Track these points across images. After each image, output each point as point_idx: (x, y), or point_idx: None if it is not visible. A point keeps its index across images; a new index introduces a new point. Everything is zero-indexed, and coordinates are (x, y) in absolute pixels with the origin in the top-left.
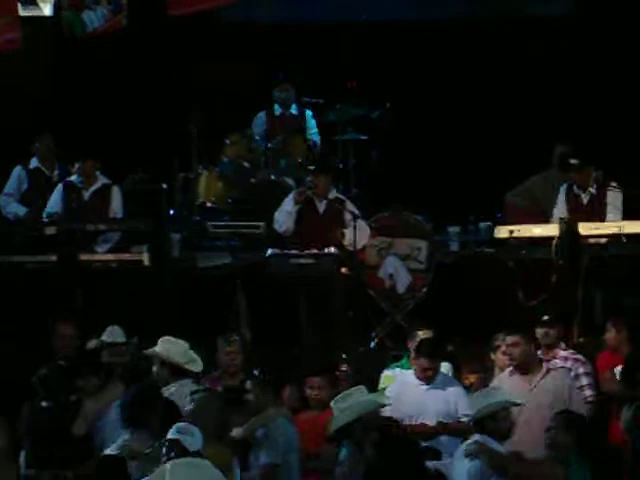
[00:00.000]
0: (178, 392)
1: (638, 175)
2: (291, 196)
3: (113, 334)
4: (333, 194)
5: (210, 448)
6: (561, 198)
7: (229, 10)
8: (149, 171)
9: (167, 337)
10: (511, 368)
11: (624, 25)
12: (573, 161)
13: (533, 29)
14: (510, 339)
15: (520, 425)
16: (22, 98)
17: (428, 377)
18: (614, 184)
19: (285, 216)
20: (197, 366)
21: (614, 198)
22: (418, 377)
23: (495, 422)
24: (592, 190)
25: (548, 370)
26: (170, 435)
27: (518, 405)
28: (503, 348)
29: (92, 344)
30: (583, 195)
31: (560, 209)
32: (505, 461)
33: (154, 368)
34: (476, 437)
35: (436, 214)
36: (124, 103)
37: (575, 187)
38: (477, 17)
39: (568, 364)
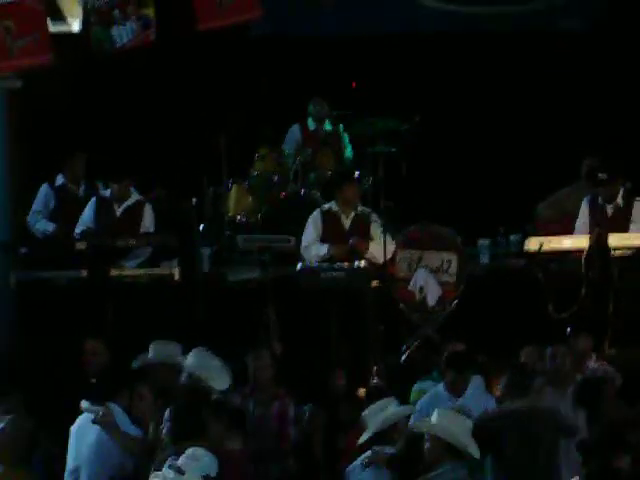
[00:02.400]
0: None
1: None
2: (311, 228)
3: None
4: (359, 207)
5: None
6: (584, 210)
7: (258, 24)
8: (172, 188)
9: (200, 349)
10: (543, 382)
11: None
12: (601, 175)
13: (561, 43)
14: (551, 350)
15: None
16: (50, 115)
17: (457, 390)
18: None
19: (319, 245)
20: (221, 384)
21: (638, 211)
22: (448, 390)
23: (396, 433)
24: (619, 202)
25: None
26: None
27: (409, 414)
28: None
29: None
30: (609, 207)
31: (582, 221)
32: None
33: (183, 378)
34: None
35: (466, 227)
36: (154, 118)
37: (600, 199)
38: (505, 32)
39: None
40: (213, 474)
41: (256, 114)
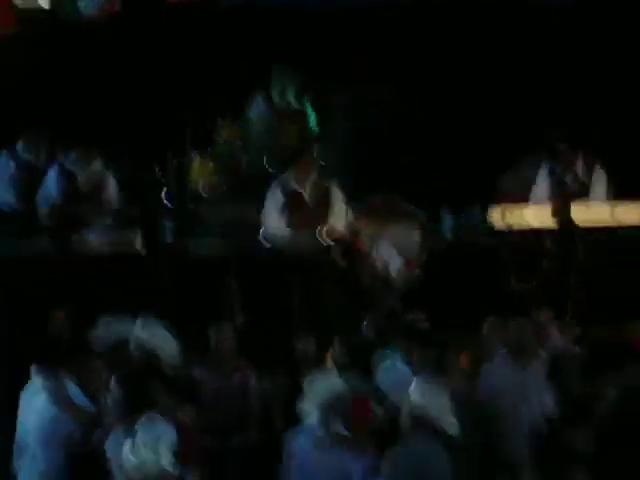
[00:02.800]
0: None
1: (629, 158)
2: (272, 210)
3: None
4: (316, 179)
5: None
6: (542, 179)
7: None
8: (135, 159)
9: (145, 319)
10: (503, 353)
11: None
12: (559, 145)
13: (531, 17)
14: (512, 322)
15: (507, 408)
16: (14, 86)
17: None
18: (599, 167)
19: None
20: (169, 354)
21: (598, 181)
22: (409, 366)
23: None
24: (577, 172)
25: (541, 357)
26: None
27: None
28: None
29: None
30: (567, 177)
31: (540, 190)
32: None
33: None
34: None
35: (429, 200)
36: (118, 89)
37: (558, 170)
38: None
39: (560, 350)
40: (171, 446)
41: (220, 84)
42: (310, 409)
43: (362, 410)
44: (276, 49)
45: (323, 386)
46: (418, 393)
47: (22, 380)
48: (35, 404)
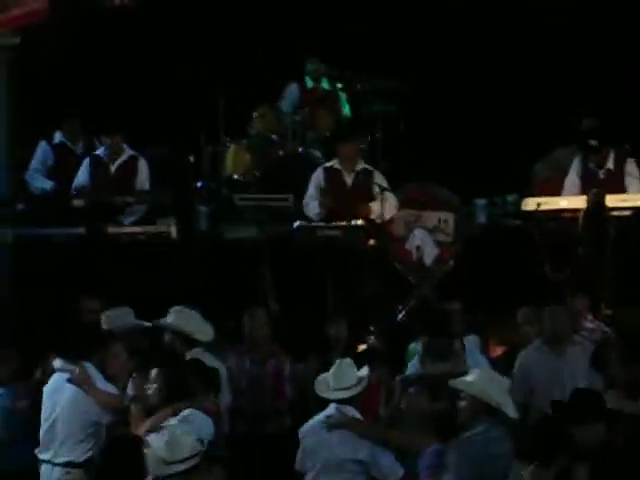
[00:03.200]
0: None
1: None
2: (312, 186)
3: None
4: (361, 165)
5: None
6: (575, 169)
7: None
8: (170, 146)
9: (178, 307)
10: (539, 341)
11: None
12: (592, 142)
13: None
14: (548, 310)
15: (544, 396)
16: (48, 72)
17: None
18: (630, 167)
19: (315, 203)
20: (206, 335)
21: (631, 183)
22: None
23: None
24: (610, 167)
25: (576, 343)
26: None
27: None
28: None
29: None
30: (600, 172)
31: (572, 179)
32: (374, 428)
33: (165, 338)
34: (332, 408)
35: (463, 187)
36: (152, 75)
37: (592, 164)
38: None
39: (596, 336)
40: (209, 437)
41: (255, 73)
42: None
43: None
44: (307, 36)
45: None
46: (479, 379)
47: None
48: (60, 395)
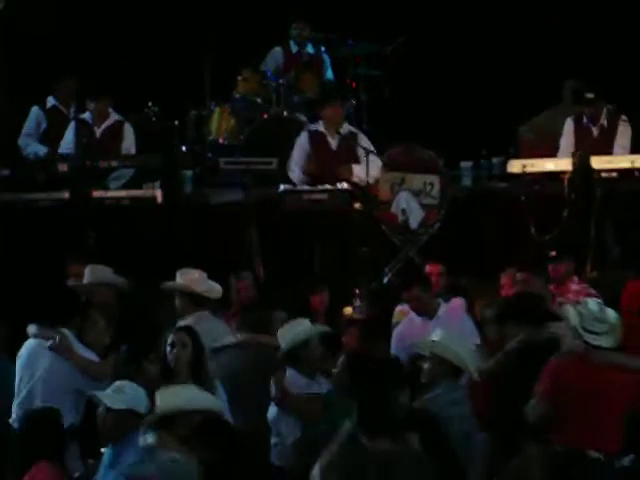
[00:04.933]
0: (195, 322)
1: None
2: (296, 151)
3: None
4: (346, 128)
5: None
6: (568, 130)
7: None
8: (159, 105)
9: (184, 269)
10: None
11: None
12: (588, 95)
13: None
14: (521, 275)
15: None
16: (39, 36)
17: (421, 309)
18: (625, 118)
19: (298, 168)
20: (216, 293)
21: (622, 132)
22: (417, 312)
23: (307, 351)
24: (603, 123)
25: (560, 305)
26: None
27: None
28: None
29: None
30: (594, 128)
31: (566, 142)
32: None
33: (176, 300)
34: None
35: (449, 149)
36: (136, 39)
37: (585, 120)
38: None
39: (581, 299)
40: (144, 409)
41: (238, 37)
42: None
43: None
44: (294, 3)
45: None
46: (444, 339)
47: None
48: (38, 362)
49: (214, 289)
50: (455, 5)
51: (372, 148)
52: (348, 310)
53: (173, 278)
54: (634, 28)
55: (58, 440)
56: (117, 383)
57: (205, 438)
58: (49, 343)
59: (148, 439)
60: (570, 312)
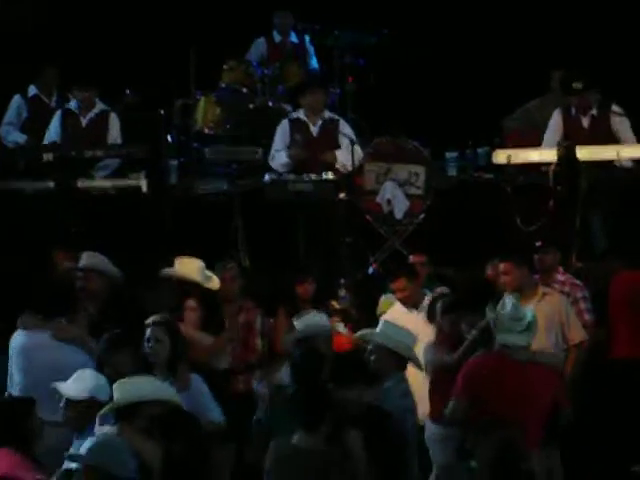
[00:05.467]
0: None
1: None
2: (278, 137)
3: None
4: (326, 114)
5: None
6: (555, 122)
7: None
8: (139, 93)
9: (183, 257)
10: (506, 294)
11: None
12: (576, 84)
13: None
14: (503, 266)
15: None
16: (20, 26)
17: (407, 299)
18: (617, 109)
19: (282, 154)
20: (214, 283)
21: (621, 124)
22: (403, 303)
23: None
24: (594, 113)
25: (544, 295)
26: None
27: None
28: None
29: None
30: (583, 119)
31: (552, 132)
32: None
33: None
34: None
35: (434, 139)
36: (120, 28)
37: (574, 111)
38: None
39: (566, 289)
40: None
41: (223, 26)
42: None
43: None
44: None
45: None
46: (390, 331)
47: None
48: (41, 352)
49: (212, 279)
50: None
51: (353, 135)
52: (334, 304)
53: (159, 267)
54: (622, 17)
55: (23, 430)
56: (79, 372)
57: (165, 429)
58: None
59: (105, 430)
60: (487, 310)
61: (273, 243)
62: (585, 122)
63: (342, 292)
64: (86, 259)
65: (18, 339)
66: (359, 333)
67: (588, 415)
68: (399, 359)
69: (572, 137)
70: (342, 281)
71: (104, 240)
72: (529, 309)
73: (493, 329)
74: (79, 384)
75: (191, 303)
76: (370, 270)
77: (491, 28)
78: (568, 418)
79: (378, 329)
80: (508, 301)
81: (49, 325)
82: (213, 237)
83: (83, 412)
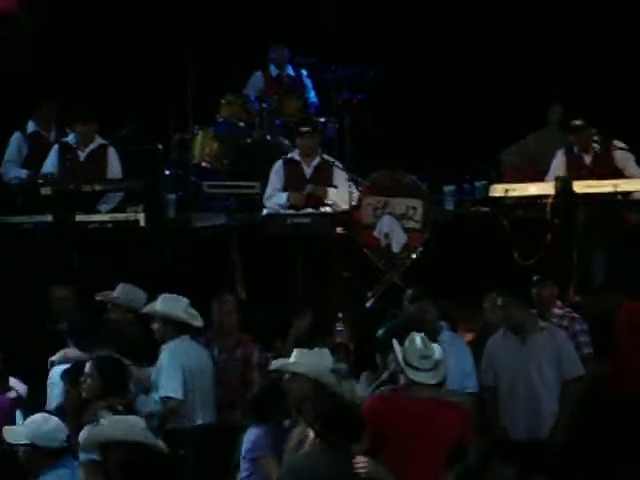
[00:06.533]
0: (178, 347)
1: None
2: (273, 178)
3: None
4: (319, 158)
5: None
6: (558, 161)
7: None
8: (134, 126)
9: (167, 294)
10: (504, 328)
11: None
12: (576, 122)
13: None
14: (502, 301)
15: (515, 384)
16: (18, 62)
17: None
18: (620, 144)
19: (281, 195)
20: (199, 321)
21: (627, 159)
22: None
23: None
24: (596, 150)
25: (542, 329)
26: None
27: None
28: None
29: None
30: (586, 156)
31: (555, 172)
32: None
33: (155, 326)
34: None
35: (431, 173)
36: (117, 63)
37: (576, 149)
38: None
39: (564, 322)
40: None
41: (220, 59)
42: None
43: None
44: (272, 22)
45: None
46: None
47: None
48: None
49: (196, 317)
50: (438, 29)
51: (346, 180)
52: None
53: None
54: (619, 54)
55: None
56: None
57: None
58: None
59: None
60: (395, 345)
61: (271, 277)
62: (587, 160)
63: (340, 326)
64: (123, 293)
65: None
66: (276, 363)
67: (585, 453)
68: (318, 385)
69: (575, 175)
70: (340, 315)
71: (102, 274)
72: (437, 347)
73: (401, 364)
74: (20, 427)
75: None
76: (368, 304)
77: (488, 63)
78: (474, 455)
79: (293, 359)
80: (417, 338)
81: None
82: (210, 271)
83: (25, 459)
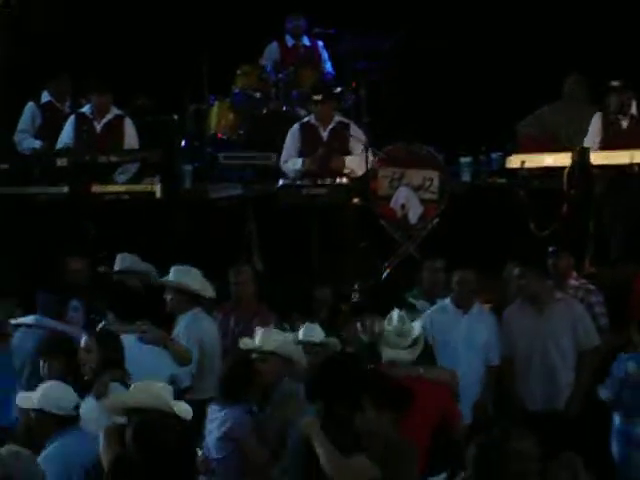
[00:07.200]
0: (193, 320)
1: None
2: (289, 142)
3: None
4: (336, 119)
5: None
6: (595, 126)
7: None
8: (152, 97)
9: (179, 266)
10: (521, 299)
11: None
12: (614, 83)
13: None
14: (518, 271)
15: (531, 354)
16: (33, 32)
17: (464, 305)
18: None
19: (297, 159)
20: (211, 292)
21: None
22: (455, 304)
23: None
24: (633, 113)
25: (558, 300)
26: None
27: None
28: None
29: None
30: (623, 120)
31: (592, 137)
32: None
33: (168, 297)
34: None
35: (448, 144)
36: (133, 34)
37: (611, 113)
38: None
39: (580, 294)
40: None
41: (236, 30)
42: None
43: None
44: None
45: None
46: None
47: None
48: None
49: (208, 288)
50: (455, 1)
51: (364, 137)
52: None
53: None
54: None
55: None
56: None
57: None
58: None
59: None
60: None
61: (287, 248)
62: (624, 123)
63: (356, 296)
64: (121, 262)
65: None
66: (243, 341)
67: (600, 422)
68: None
69: (612, 140)
70: (356, 286)
71: (118, 245)
72: (416, 324)
73: (379, 344)
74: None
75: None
76: (384, 274)
77: (504, 33)
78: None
79: (265, 338)
80: (395, 315)
81: (132, 328)
82: (227, 242)
83: (36, 424)
